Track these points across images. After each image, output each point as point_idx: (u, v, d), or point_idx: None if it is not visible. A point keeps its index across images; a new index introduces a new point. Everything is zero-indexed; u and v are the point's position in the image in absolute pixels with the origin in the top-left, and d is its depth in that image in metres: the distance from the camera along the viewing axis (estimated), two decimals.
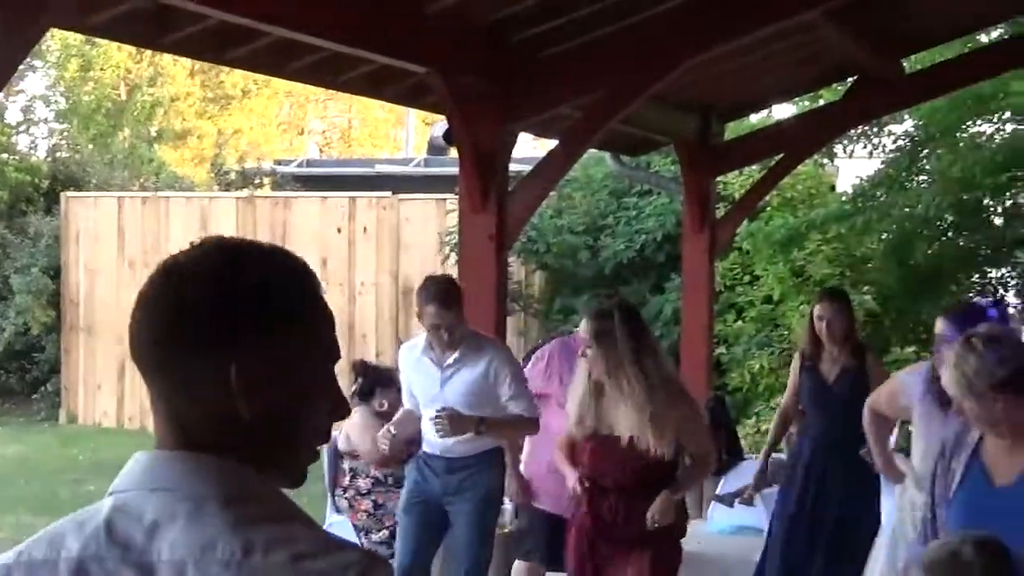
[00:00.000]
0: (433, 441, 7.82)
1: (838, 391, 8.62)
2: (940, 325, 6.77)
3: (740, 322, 15.88)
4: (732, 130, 13.66)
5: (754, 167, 15.17)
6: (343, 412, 2.05)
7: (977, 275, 16.35)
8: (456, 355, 7.69)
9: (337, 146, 39.16)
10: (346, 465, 9.90)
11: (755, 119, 15.57)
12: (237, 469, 1.91)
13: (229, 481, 1.90)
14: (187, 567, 1.84)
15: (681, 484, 6.69)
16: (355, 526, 9.77)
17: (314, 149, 36.51)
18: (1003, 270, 16.47)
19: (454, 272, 17.29)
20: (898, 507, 7.31)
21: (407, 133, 32.93)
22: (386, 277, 18.27)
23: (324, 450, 10.04)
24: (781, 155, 12.71)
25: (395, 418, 8.68)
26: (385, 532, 9.69)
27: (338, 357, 2.02)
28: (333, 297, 17.88)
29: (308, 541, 1.85)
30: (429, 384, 7.75)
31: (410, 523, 7.91)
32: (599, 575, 6.73)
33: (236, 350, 1.89)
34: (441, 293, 7.60)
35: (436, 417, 7.49)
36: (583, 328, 6.79)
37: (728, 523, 11.28)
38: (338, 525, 9.89)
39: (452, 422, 7.45)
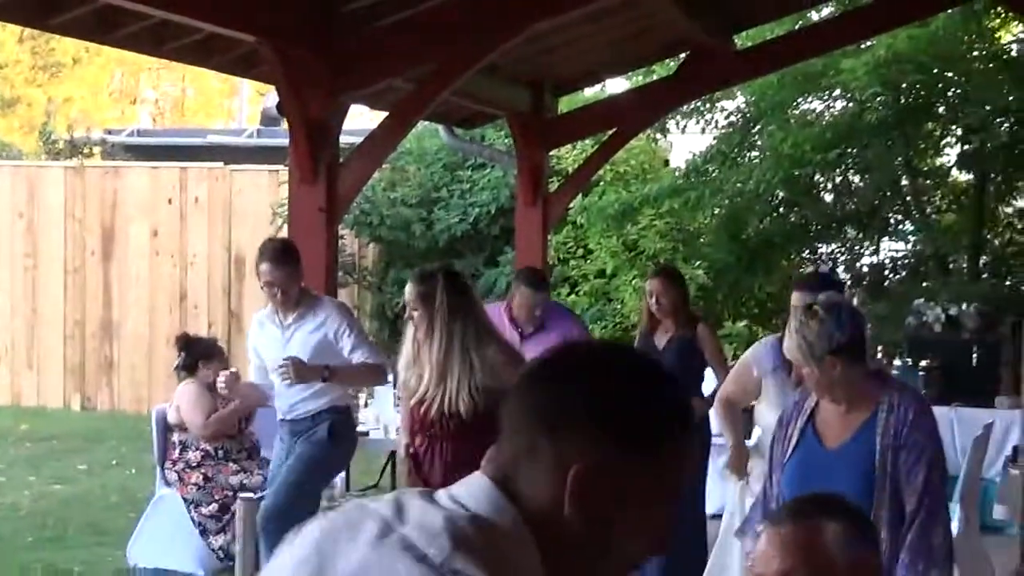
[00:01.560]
0: (280, 406, 7.83)
1: (667, 358, 8.61)
2: (796, 297, 6.83)
3: (573, 296, 15.96)
4: (565, 104, 13.68)
5: (587, 141, 15.22)
6: (662, 550, 2.04)
7: (807, 250, 16.61)
8: (294, 315, 7.75)
9: (170, 116, 38.58)
10: (176, 438, 9.78)
11: (589, 93, 15.63)
12: (526, 537, 1.94)
13: (504, 517, 1.95)
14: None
15: None
16: (184, 499, 9.67)
17: (147, 118, 35.93)
18: (833, 245, 16.77)
19: None
20: (739, 498, 7.33)
21: (240, 103, 32.59)
22: (218, 248, 18.05)
23: (153, 422, 9.93)
24: (614, 129, 12.74)
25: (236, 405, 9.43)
26: (215, 505, 9.61)
27: (679, 500, 2.03)
28: (163, 268, 17.75)
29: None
30: (274, 347, 7.75)
31: None
32: None
33: (585, 457, 1.91)
34: (274, 251, 7.68)
35: (281, 366, 7.46)
36: (408, 292, 6.81)
37: None
38: (167, 498, 9.80)
39: (296, 369, 7.43)
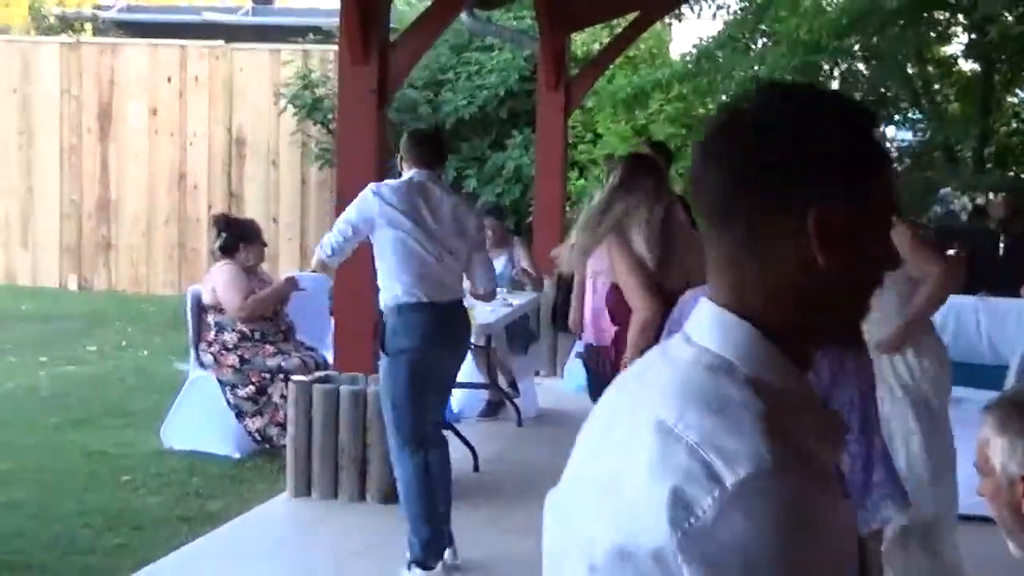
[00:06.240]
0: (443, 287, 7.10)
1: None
2: None
3: (583, 180, 15.89)
4: None
5: (596, 26, 15.12)
6: (896, 264, 1.94)
7: None
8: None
9: None
10: (211, 319, 9.71)
11: None
12: (756, 338, 1.82)
13: (737, 345, 1.82)
14: (636, 415, 1.80)
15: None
16: (220, 381, 9.62)
17: None
18: None
19: (289, 124, 17.04)
20: None
21: None
22: (219, 128, 17.87)
23: (188, 304, 9.87)
24: (636, 12, 12.63)
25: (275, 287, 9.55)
26: (251, 387, 9.57)
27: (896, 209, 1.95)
28: (164, 148, 17.59)
29: (733, 423, 1.72)
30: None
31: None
32: None
33: (817, 200, 1.80)
34: None
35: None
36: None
37: (584, 380, 11.34)
38: (202, 380, 9.74)
39: None
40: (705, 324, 1.85)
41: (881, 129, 16.58)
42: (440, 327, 7.04)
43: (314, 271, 7.48)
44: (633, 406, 1.83)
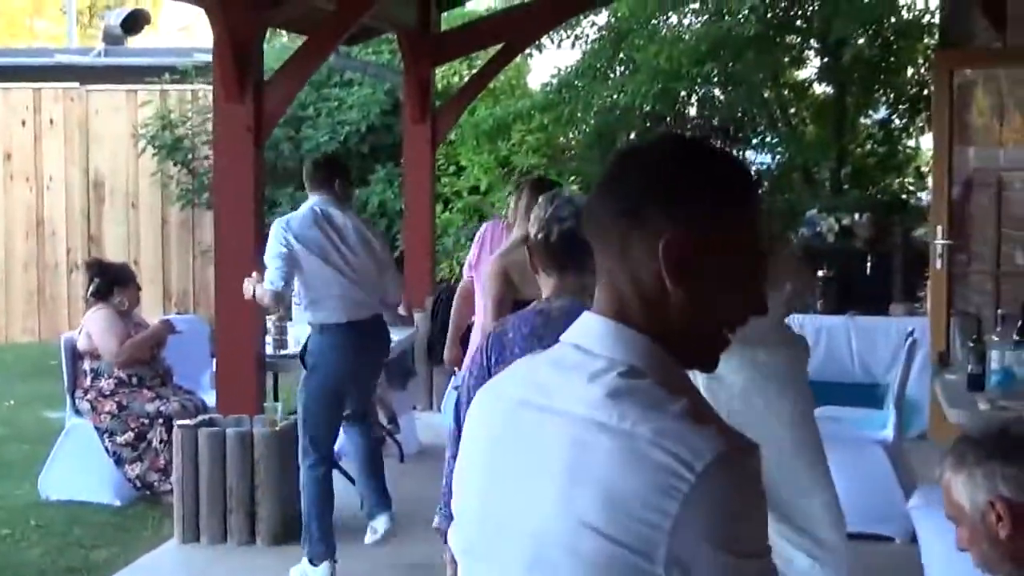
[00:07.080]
0: (355, 304, 7.68)
1: None
2: None
3: (447, 213, 15.88)
4: (447, 20, 13.58)
5: (457, 60, 15.16)
6: (762, 309, 2.09)
7: None
8: None
9: None
10: (87, 366, 9.54)
11: (470, 7, 15.56)
12: (648, 344, 2.02)
13: (637, 353, 2.01)
14: (571, 419, 1.98)
15: None
16: (97, 428, 9.45)
17: None
18: None
19: (148, 165, 16.85)
20: None
21: (70, 22, 31.69)
22: (76, 171, 17.59)
23: (62, 351, 9.69)
24: (502, 44, 12.67)
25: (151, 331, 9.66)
26: (130, 434, 9.41)
27: (767, 254, 2.03)
28: (19, 193, 17.27)
29: (676, 419, 1.91)
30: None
31: None
32: None
33: (672, 227, 1.99)
34: None
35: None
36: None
37: None
38: (78, 428, 9.58)
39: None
40: (605, 336, 2.04)
41: (742, 153, 16.88)
42: (360, 343, 7.62)
43: (268, 309, 7.83)
44: (550, 417, 2.02)
